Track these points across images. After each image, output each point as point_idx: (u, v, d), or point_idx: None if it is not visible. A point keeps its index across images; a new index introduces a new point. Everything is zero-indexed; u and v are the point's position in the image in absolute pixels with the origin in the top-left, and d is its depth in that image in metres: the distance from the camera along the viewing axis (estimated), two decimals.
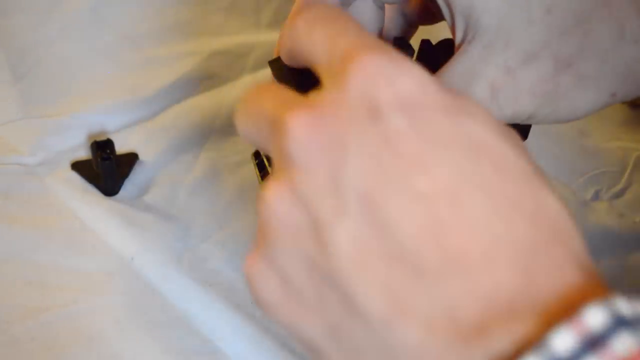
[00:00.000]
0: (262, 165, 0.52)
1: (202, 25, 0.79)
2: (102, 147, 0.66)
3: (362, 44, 0.36)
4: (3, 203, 0.65)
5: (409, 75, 0.36)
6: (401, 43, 0.51)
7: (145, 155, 0.68)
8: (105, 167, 0.65)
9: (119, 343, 0.56)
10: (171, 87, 0.74)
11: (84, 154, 0.69)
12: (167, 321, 0.57)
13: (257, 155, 0.53)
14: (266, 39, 0.78)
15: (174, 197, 0.66)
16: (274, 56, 0.49)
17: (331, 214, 0.35)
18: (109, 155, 0.65)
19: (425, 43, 0.52)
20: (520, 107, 0.48)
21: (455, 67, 0.48)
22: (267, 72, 0.75)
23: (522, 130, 0.52)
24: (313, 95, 0.37)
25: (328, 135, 0.35)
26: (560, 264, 0.35)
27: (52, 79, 0.74)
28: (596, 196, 0.66)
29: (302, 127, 0.35)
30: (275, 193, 0.36)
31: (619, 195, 0.66)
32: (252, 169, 0.54)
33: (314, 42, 0.38)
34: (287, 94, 0.38)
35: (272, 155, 0.37)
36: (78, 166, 0.67)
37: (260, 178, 0.52)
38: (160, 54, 0.77)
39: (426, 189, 0.34)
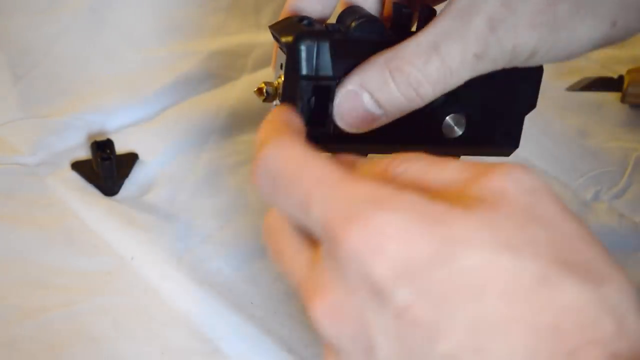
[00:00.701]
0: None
1: (202, 25, 0.79)
2: (102, 147, 0.66)
3: (332, 209, 0.38)
4: (3, 203, 0.65)
5: (393, 236, 0.37)
6: (399, 9, 0.51)
7: (145, 155, 0.69)
8: (105, 167, 0.65)
9: (118, 343, 0.56)
10: (171, 87, 0.74)
11: (84, 154, 0.69)
12: (167, 321, 0.57)
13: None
14: (266, 39, 0.78)
15: (174, 197, 0.66)
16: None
17: None
18: (109, 155, 0.65)
19: (425, 10, 0.51)
20: (521, 40, 0.48)
21: (455, 4, 0.48)
22: (267, 71, 0.76)
23: (513, 137, 0.52)
24: (318, 270, 0.39)
25: (351, 325, 0.38)
26: None
27: (52, 79, 0.74)
28: (596, 196, 0.66)
29: (326, 319, 0.39)
30: None
31: (619, 195, 0.66)
32: (253, 169, 0.54)
33: (283, 210, 0.41)
34: (293, 256, 0.41)
35: None
36: (78, 166, 0.68)
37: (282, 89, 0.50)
38: (160, 54, 0.77)
39: (449, 350, 0.36)
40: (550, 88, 0.74)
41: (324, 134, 0.49)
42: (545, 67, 0.77)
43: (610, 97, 0.73)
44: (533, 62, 0.50)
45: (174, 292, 0.59)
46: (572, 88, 0.73)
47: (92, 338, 0.56)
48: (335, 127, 0.48)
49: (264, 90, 0.49)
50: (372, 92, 0.47)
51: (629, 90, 0.72)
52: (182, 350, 0.56)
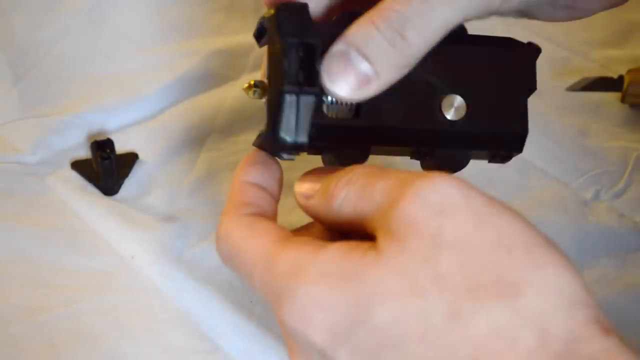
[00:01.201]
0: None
1: (201, 25, 0.79)
2: (102, 146, 0.66)
3: (268, 289, 0.43)
4: (3, 202, 0.65)
5: (317, 307, 0.41)
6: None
7: (145, 155, 0.69)
8: (105, 167, 0.65)
9: (119, 342, 0.56)
10: (171, 86, 0.74)
11: (84, 153, 0.69)
12: (168, 320, 0.57)
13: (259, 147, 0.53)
14: None
15: (174, 197, 0.66)
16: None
17: None
18: (109, 154, 0.65)
19: None
20: None
21: None
22: None
23: (519, 123, 0.52)
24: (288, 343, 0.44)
25: None
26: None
27: (52, 78, 0.74)
28: (596, 196, 0.66)
29: None
30: None
31: (619, 194, 0.66)
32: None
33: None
34: None
35: None
36: (78, 166, 0.68)
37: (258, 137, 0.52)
38: (160, 53, 0.77)
39: None
40: (550, 88, 0.74)
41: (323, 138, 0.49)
42: (545, 67, 0.77)
43: (610, 97, 0.73)
44: (535, 15, 0.49)
45: (174, 291, 0.59)
46: (572, 88, 0.73)
47: (93, 337, 0.56)
48: (323, 129, 0.48)
49: (253, 86, 0.49)
50: (359, 47, 0.46)
51: (629, 90, 0.72)
52: (183, 349, 0.56)
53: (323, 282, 0.41)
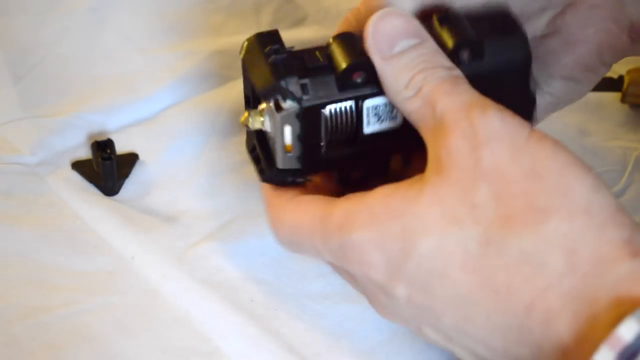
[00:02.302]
0: (258, 158, 0.53)
1: (202, 25, 0.79)
2: (103, 147, 0.66)
3: (330, 249, 0.47)
4: (4, 202, 0.65)
5: (372, 248, 0.45)
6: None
7: (145, 155, 0.69)
8: (106, 167, 0.65)
9: (119, 342, 0.56)
10: (171, 87, 0.74)
11: (84, 153, 0.69)
12: (168, 320, 0.57)
13: (252, 150, 0.54)
14: None
15: (175, 197, 0.66)
16: None
17: None
18: (110, 155, 0.65)
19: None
20: None
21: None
22: None
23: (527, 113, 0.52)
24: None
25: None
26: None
27: (52, 78, 0.74)
28: None
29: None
30: None
31: (619, 194, 0.66)
32: (253, 169, 0.54)
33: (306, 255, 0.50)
34: None
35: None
36: (78, 166, 0.68)
37: (257, 171, 0.53)
38: (160, 53, 0.77)
39: (451, 323, 0.45)
40: None
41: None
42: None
43: (610, 97, 0.73)
44: None
45: (174, 292, 0.59)
46: None
47: (93, 338, 0.56)
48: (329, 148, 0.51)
49: (248, 120, 0.52)
50: None
51: (629, 90, 0.72)
52: (183, 350, 0.56)
53: (374, 224, 0.45)
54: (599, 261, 0.41)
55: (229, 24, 0.80)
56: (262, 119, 0.51)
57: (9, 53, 0.76)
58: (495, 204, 0.43)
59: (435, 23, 0.50)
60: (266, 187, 0.52)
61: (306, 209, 0.48)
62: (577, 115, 0.71)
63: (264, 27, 0.79)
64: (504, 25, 0.51)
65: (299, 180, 0.52)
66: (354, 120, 0.51)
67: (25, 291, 0.59)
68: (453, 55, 0.49)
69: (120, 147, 0.68)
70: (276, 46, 0.51)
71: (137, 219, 0.64)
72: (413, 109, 0.47)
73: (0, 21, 0.78)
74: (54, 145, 0.69)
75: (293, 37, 0.78)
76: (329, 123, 0.50)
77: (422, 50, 0.48)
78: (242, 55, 0.53)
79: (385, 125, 0.51)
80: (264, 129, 0.51)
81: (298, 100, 0.50)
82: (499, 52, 0.51)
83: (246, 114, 0.52)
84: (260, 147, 0.53)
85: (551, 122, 0.71)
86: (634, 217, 0.64)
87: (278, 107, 0.50)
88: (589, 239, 0.41)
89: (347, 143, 0.51)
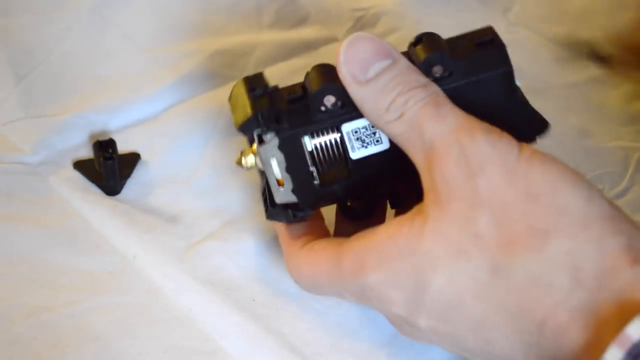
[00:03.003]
0: (266, 199, 0.55)
1: (203, 24, 0.79)
2: (105, 146, 0.66)
3: (351, 290, 0.50)
4: (5, 202, 0.65)
5: (390, 290, 0.48)
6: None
7: (147, 155, 0.69)
8: (108, 167, 0.65)
9: (121, 342, 0.56)
10: (173, 86, 0.74)
11: (86, 153, 0.69)
12: (169, 320, 0.57)
13: (263, 192, 0.55)
14: (268, 39, 0.78)
15: (176, 197, 0.66)
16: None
17: None
18: (111, 154, 0.65)
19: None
20: None
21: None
22: (268, 71, 0.75)
23: (507, 81, 0.51)
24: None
25: None
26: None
27: (54, 78, 0.74)
28: None
29: None
30: None
31: (620, 195, 0.66)
32: (253, 170, 0.54)
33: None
34: None
35: None
36: (80, 166, 0.68)
37: (265, 211, 0.55)
38: (162, 53, 0.77)
39: (470, 347, 0.48)
40: (552, 88, 0.74)
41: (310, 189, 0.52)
42: (547, 67, 0.77)
43: (613, 97, 0.73)
44: None
45: (175, 291, 0.59)
46: None
47: (95, 337, 0.56)
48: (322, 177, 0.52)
49: (242, 160, 0.54)
50: None
51: None
52: (184, 349, 0.56)
53: (384, 264, 0.47)
54: (601, 274, 0.43)
55: (230, 24, 0.80)
56: (253, 157, 0.52)
57: (11, 53, 0.76)
58: (497, 232, 0.44)
59: (410, 43, 0.51)
60: (282, 234, 0.54)
61: (319, 259, 0.51)
62: (578, 116, 0.71)
63: (266, 27, 0.80)
64: (481, 39, 0.51)
65: (300, 214, 0.53)
66: (339, 146, 0.51)
67: (28, 291, 0.59)
68: (426, 70, 0.50)
69: (122, 147, 0.68)
70: (257, 85, 0.52)
71: (138, 218, 0.64)
72: (398, 132, 0.48)
73: (2, 21, 0.78)
74: (55, 144, 0.69)
75: (294, 37, 0.78)
76: (313, 151, 0.51)
77: (395, 70, 0.49)
78: (229, 99, 0.54)
79: (372, 149, 0.51)
80: (257, 166, 0.52)
81: (276, 131, 0.50)
82: (476, 66, 0.51)
83: (240, 154, 0.53)
84: (267, 188, 0.54)
85: (552, 122, 0.71)
86: (636, 218, 0.64)
87: (261, 142, 0.51)
88: (590, 253, 0.43)
89: (339, 171, 0.52)
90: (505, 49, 0.51)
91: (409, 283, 0.46)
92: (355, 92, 0.49)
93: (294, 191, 0.52)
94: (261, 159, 0.52)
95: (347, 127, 0.51)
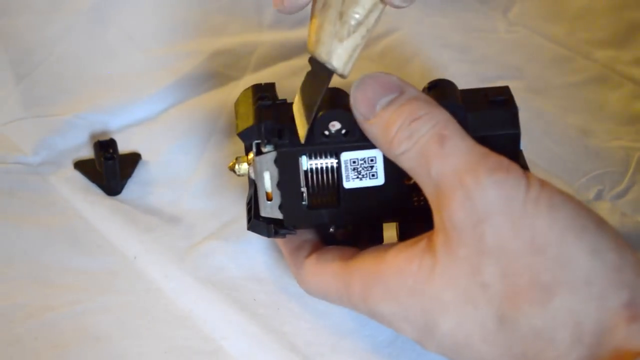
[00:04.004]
0: (250, 209, 0.55)
1: (204, 25, 0.79)
2: (105, 146, 0.66)
3: (359, 307, 0.52)
4: (6, 202, 0.65)
5: (401, 322, 0.50)
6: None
7: (148, 155, 0.69)
8: (108, 167, 0.65)
9: (121, 342, 0.56)
10: (173, 86, 0.74)
11: (86, 153, 0.69)
12: (170, 320, 0.57)
13: (249, 201, 0.56)
14: (268, 39, 0.78)
15: (177, 197, 0.66)
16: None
17: None
18: (112, 155, 0.65)
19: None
20: None
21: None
22: (269, 71, 0.76)
23: (513, 144, 0.52)
24: None
25: None
26: None
27: (54, 78, 0.74)
28: (599, 196, 0.66)
29: None
30: None
31: (621, 195, 0.65)
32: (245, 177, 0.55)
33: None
34: None
35: None
36: (81, 166, 0.68)
37: (247, 221, 0.55)
38: (162, 53, 0.77)
39: None
40: (552, 88, 0.74)
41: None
42: (547, 67, 0.77)
43: (613, 97, 0.73)
44: None
45: (176, 291, 0.59)
46: None
47: (96, 337, 0.56)
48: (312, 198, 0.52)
49: (235, 166, 0.54)
50: None
51: None
52: (185, 349, 0.56)
53: (392, 299, 0.49)
54: (600, 331, 0.45)
55: (230, 24, 0.80)
56: (247, 165, 0.52)
57: (12, 53, 0.76)
58: (503, 283, 0.46)
59: (425, 87, 0.52)
60: (283, 244, 0.55)
61: (327, 276, 0.52)
62: (579, 116, 0.71)
63: (266, 27, 0.80)
64: (496, 97, 0.52)
65: (282, 232, 0.53)
66: (334, 172, 0.51)
67: (28, 291, 0.59)
68: None
69: (123, 147, 0.68)
70: (266, 95, 0.53)
71: (139, 218, 0.64)
72: (407, 167, 0.49)
73: (2, 21, 0.78)
74: (56, 145, 0.69)
75: (294, 37, 0.78)
76: (308, 172, 0.51)
77: (400, 101, 0.49)
78: (235, 103, 0.54)
79: (366, 182, 0.52)
80: (249, 175, 0.52)
81: (275, 145, 0.50)
82: (486, 123, 0.51)
83: (234, 160, 0.53)
84: (254, 198, 0.54)
85: (553, 123, 0.71)
86: (636, 217, 0.64)
87: (259, 152, 0.51)
88: (591, 311, 0.45)
89: (329, 198, 0.52)
90: (517, 112, 0.52)
91: (419, 320, 0.48)
92: (367, 130, 0.50)
93: (280, 208, 0.52)
94: (255, 170, 0.52)
95: (346, 156, 0.51)
